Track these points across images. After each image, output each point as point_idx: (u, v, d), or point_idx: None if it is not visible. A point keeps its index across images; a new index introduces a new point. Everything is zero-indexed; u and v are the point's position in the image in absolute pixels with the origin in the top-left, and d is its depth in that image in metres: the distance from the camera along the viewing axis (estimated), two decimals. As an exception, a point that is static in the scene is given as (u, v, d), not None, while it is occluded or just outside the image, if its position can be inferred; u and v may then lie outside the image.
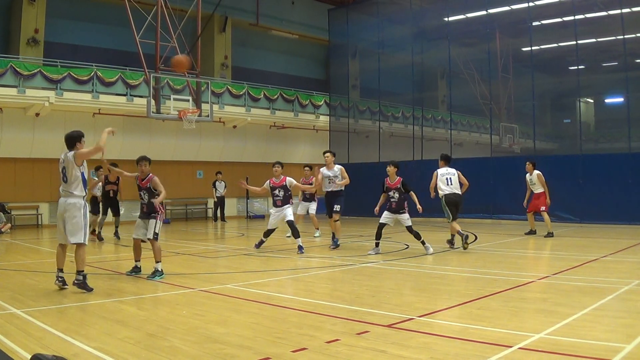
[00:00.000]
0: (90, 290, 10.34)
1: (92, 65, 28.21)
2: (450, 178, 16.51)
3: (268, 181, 16.69)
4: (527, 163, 20.29)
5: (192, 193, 33.52)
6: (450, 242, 17.05)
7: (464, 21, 31.57)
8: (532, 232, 20.63)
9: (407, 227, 15.97)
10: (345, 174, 18.10)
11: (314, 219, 21.36)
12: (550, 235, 19.42)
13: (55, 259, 10.66)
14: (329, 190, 18.26)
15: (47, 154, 28.07)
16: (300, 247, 16.14)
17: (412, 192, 16.10)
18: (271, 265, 14.06)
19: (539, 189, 19.84)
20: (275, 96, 35.07)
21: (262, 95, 34.43)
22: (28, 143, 27.98)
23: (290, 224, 16.43)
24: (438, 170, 16.77)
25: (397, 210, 15.92)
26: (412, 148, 30.75)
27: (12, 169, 27.78)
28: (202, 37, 27.25)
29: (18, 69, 25.85)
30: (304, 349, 6.46)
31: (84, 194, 10.67)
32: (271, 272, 12.79)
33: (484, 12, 29.43)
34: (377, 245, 15.97)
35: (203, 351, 6.46)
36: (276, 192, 16.62)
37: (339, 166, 18.48)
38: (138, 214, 12.57)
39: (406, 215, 15.96)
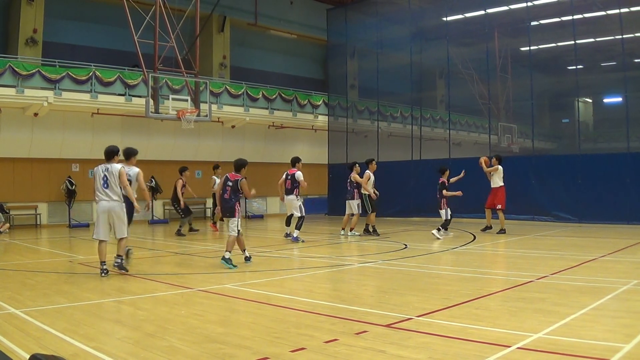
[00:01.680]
0: (127, 270, 12.68)
1: (91, 65, 28.16)
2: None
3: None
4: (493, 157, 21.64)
5: (190, 193, 33.52)
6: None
7: (462, 21, 31.56)
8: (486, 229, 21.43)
9: None
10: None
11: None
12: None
13: (98, 254, 12.76)
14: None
15: (46, 154, 28.09)
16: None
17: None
18: (270, 265, 14.05)
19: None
20: (274, 96, 35.04)
21: (260, 95, 34.39)
22: (27, 143, 27.96)
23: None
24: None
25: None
26: (410, 148, 30.73)
27: (10, 168, 27.75)
28: (200, 37, 27.25)
29: (16, 69, 25.81)
30: (303, 348, 6.47)
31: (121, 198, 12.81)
32: (270, 272, 12.78)
33: (482, 12, 29.40)
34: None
35: (202, 351, 6.46)
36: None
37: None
38: None
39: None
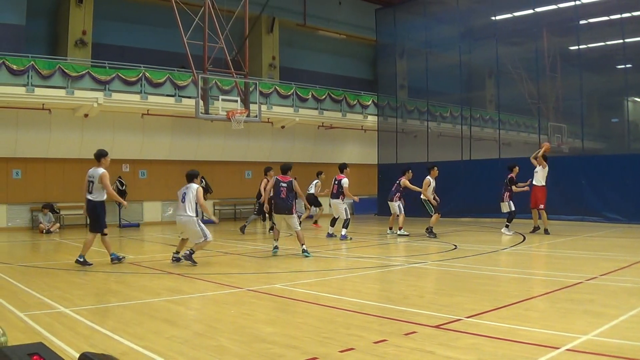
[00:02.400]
0: (195, 264, 13.81)
1: (141, 67, 28.41)
2: None
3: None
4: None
5: (240, 193, 33.56)
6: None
7: (511, 20, 31.22)
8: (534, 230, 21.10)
9: None
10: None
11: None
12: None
13: (178, 244, 14.70)
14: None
15: (95, 154, 28.40)
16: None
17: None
18: (319, 266, 14.02)
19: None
20: (323, 96, 35.02)
21: (310, 96, 34.40)
22: (77, 144, 28.28)
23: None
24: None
25: None
26: (460, 148, 30.53)
27: (61, 169, 28.07)
28: (249, 37, 27.30)
29: (66, 70, 26.12)
30: (352, 349, 6.39)
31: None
32: (319, 272, 12.75)
33: (531, 11, 29.11)
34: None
35: (250, 350, 6.42)
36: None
37: None
38: None
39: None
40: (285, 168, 15.92)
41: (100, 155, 14.47)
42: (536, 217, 20.98)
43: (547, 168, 20.67)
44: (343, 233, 20.04)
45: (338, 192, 20.74)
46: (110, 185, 14.29)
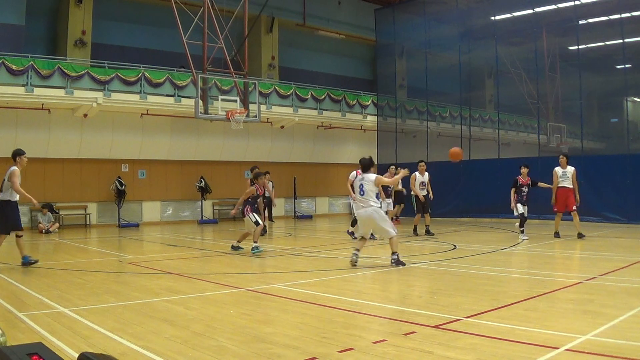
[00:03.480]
0: (403, 265, 13.06)
1: (140, 67, 28.45)
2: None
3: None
4: (561, 157, 19.64)
5: (240, 193, 33.37)
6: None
7: (510, 20, 31.24)
8: (557, 235, 19.51)
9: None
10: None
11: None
12: (582, 236, 18.64)
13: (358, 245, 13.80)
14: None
15: (96, 154, 28.38)
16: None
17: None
18: (318, 266, 13.99)
19: (569, 184, 19.07)
20: (323, 96, 35.05)
21: (309, 96, 34.43)
22: (76, 143, 28.31)
23: None
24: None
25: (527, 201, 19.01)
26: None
27: (60, 169, 28.08)
28: (249, 37, 27.32)
29: (66, 70, 26.17)
30: (351, 349, 6.38)
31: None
32: (318, 272, 12.72)
33: (530, 11, 29.13)
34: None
35: (250, 350, 6.41)
36: None
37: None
38: None
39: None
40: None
41: (16, 154, 14.05)
42: (558, 222, 19.82)
43: (570, 168, 19.51)
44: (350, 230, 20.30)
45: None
46: (18, 183, 13.63)
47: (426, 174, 21.96)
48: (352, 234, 20.03)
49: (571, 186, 19.02)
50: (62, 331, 7.32)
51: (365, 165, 13.92)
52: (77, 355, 2.56)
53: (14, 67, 25.09)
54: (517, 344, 6.47)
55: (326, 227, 23.49)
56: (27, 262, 13.88)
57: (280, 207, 34.79)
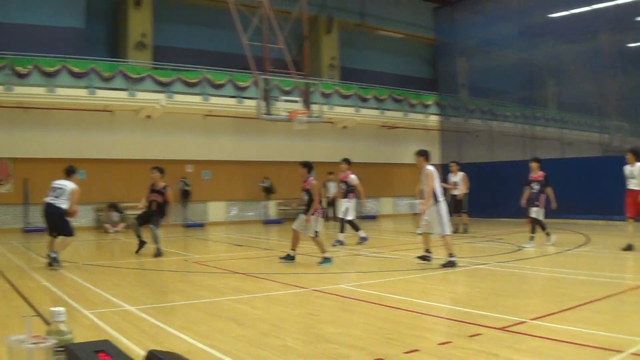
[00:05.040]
0: (454, 265, 12.94)
1: (202, 68, 28.69)
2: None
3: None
4: (628, 154, 16.32)
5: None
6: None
7: (569, 17, 30.80)
8: (629, 248, 15.52)
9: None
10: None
11: None
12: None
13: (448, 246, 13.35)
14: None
15: (160, 155, 28.65)
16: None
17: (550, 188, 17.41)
18: (384, 266, 13.95)
19: (637, 186, 15.80)
20: (384, 96, 34.95)
21: (371, 96, 34.36)
22: (140, 144, 28.75)
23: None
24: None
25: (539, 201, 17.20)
26: (522, 147, 30.21)
27: (125, 169, 28.42)
28: (309, 38, 27.38)
29: (127, 73, 26.64)
30: (416, 350, 6.31)
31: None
32: (384, 273, 12.65)
33: (588, 8, 28.69)
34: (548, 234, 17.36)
35: (315, 350, 6.38)
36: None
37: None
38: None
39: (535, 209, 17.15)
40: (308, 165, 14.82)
41: (73, 171, 14.41)
42: (631, 231, 16.10)
43: (638, 165, 16.15)
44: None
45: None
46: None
47: (460, 173, 21.97)
48: (363, 238, 18.99)
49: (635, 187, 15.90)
50: (128, 329, 7.38)
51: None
52: (143, 353, 2.54)
53: (76, 70, 25.59)
54: (582, 347, 6.36)
55: (390, 227, 23.37)
56: (53, 258, 13.71)
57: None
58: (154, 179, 16.48)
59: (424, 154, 13.68)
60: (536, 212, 17.19)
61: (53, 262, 13.42)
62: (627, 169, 16.22)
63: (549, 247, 16.66)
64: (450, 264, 12.94)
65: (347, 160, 19.39)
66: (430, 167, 13.40)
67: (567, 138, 31.88)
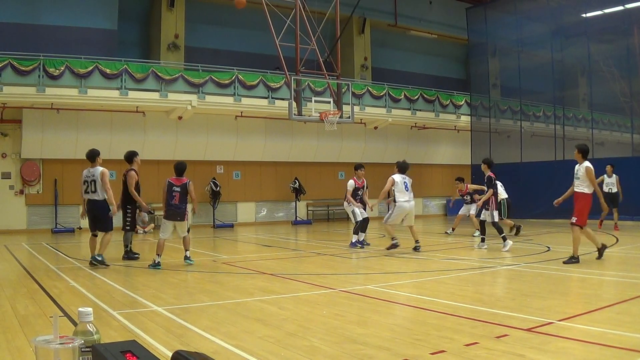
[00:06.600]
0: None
1: (234, 69, 28.82)
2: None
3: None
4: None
5: (334, 194, 33.58)
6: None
7: (601, 17, 30.60)
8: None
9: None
10: None
11: (474, 220, 20.92)
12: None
13: None
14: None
15: (191, 155, 28.75)
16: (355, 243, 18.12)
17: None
18: (411, 267, 13.94)
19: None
20: (416, 97, 34.84)
21: (402, 96, 34.26)
22: (171, 145, 28.87)
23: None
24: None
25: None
26: (553, 148, 30.04)
27: (156, 170, 28.52)
28: (341, 38, 27.30)
29: (159, 74, 26.76)
30: (443, 351, 6.32)
31: None
32: (411, 274, 12.66)
33: (621, 8, 28.47)
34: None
35: (342, 351, 6.39)
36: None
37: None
38: None
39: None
40: (180, 168, 15.52)
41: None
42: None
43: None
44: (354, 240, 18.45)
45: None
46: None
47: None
48: (361, 242, 18.36)
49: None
50: (155, 330, 7.47)
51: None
52: (169, 353, 2.58)
53: (107, 71, 25.79)
54: (609, 348, 6.34)
55: (420, 228, 23.29)
56: (99, 261, 13.88)
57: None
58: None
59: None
60: (484, 215, 17.45)
61: (99, 265, 13.65)
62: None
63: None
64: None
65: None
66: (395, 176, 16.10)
67: (598, 138, 31.65)
